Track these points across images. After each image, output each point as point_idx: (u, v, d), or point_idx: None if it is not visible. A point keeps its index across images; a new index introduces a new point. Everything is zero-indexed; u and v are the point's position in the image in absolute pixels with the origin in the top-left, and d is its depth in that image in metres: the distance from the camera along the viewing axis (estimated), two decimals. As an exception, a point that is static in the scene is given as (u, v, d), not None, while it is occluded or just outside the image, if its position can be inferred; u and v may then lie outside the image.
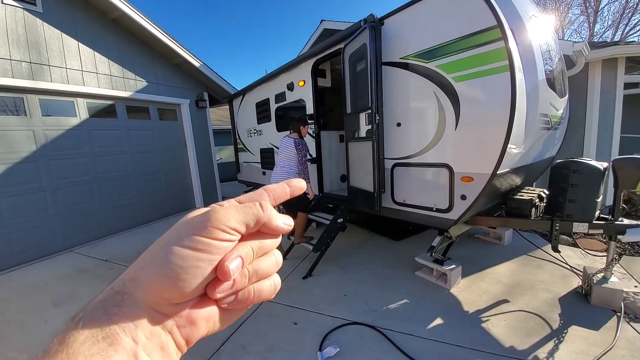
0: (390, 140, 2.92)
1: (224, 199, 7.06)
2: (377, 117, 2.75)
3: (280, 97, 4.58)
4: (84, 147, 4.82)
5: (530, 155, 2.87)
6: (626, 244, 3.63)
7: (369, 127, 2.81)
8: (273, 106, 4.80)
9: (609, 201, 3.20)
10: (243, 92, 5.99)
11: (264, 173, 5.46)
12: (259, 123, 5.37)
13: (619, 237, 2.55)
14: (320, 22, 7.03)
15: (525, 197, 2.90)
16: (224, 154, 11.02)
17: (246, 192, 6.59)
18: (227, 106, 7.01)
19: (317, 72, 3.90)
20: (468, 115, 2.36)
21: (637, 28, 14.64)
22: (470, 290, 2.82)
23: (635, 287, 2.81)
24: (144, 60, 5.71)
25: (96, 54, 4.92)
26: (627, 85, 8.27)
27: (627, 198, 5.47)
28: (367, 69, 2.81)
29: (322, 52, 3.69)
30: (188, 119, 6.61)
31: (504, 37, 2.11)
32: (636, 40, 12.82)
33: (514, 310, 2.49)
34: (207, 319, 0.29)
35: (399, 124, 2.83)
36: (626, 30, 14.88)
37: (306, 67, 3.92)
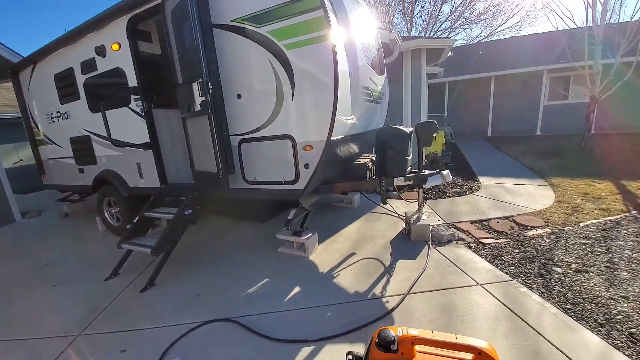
0: (232, 114, 2.66)
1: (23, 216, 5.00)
2: (211, 87, 2.42)
3: (88, 65, 3.46)
4: None
5: (361, 125, 3.26)
6: (429, 189, 4.84)
7: (204, 98, 2.45)
8: (80, 78, 3.60)
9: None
10: (33, 61, 4.27)
11: (81, 170, 4.14)
12: (62, 103, 3.95)
13: (424, 186, 3.25)
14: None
15: (361, 162, 3.31)
16: (24, 155, 7.86)
17: (61, 199, 4.83)
18: (11, 82, 4.89)
19: (136, 33, 3.12)
20: (301, 84, 2.37)
21: (438, 34, 19.97)
22: (325, 253, 3.03)
23: (439, 220, 3.74)
24: None
25: None
26: (431, 76, 11.00)
27: (432, 159, 7.29)
28: (194, 30, 2.40)
29: (138, 7, 2.94)
30: None
31: (323, 6, 2.17)
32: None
33: (358, 260, 2.83)
34: None
35: (239, 96, 2.59)
36: (432, 36, 19.95)
37: (119, 26, 3.06)
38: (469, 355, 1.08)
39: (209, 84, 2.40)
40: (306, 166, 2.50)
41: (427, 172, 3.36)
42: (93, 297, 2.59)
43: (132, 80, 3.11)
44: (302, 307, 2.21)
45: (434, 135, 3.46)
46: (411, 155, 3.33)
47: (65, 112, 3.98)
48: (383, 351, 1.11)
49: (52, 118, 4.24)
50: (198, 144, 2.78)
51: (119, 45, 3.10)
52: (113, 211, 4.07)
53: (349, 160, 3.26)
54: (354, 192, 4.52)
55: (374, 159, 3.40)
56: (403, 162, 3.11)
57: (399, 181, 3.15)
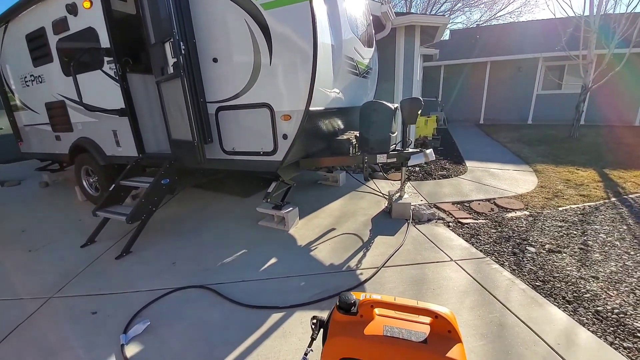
0: (209, 80, 2.54)
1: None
2: (183, 47, 2.28)
3: (60, 25, 3.24)
4: None
5: (346, 100, 3.16)
6: (416, 171, 4.84)
7: (176, 60, 2.32)
8: (52, 39, 3.38)
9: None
10: (5, 20, 4.00)
11: (58, 138, 3.98)
12: (36, 66, 3.74)
13: (407, 164, 3.21)
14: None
15: (345, 137, 3.25)
16: (3, 123, 7.57)
17: (40, 169, 4.71)
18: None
19: (109, -9, 2.91)
20: (278, 48, 2.25)
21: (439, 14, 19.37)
22: (306, 228, 3.01)
23: (421, 200, 3.75)
24: None
25: None
26: (427, 58, 10.70)
27: (422, 142, 7.22)
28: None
29: (110, -39, 2.74)
30: None
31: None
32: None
33: (338, 235, 2.82)
34: None
35: (215, 60, 2.46)
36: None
37: (90, -19, 2.85)
38: (427, 320, 1.08)
39: (181, 43, 2.26)
40: (284, 137, 2.43)
41: (410, 150, 3.33)
42: (68, 263, 2.56)
43: (105, 41, 2.93)
44: (276, 277, 2.22)
45: (426, 119, 3.40)
46: (396, 132, 3.27)
47: (39, 76, 3.77)
48: (343, 313, 1.11)
49: (26, 82, 4.03)
50: (173, 110, 2.67)
51: (91, 2, 2.90)
52: (92, 180, 3.97)
53: (332, 135, 3.19)
54: (340, 170, 4.48)
55: (358, 135, 3.34)
56: (386, 139, 3.05)
57: (381, 158, 3.10)
